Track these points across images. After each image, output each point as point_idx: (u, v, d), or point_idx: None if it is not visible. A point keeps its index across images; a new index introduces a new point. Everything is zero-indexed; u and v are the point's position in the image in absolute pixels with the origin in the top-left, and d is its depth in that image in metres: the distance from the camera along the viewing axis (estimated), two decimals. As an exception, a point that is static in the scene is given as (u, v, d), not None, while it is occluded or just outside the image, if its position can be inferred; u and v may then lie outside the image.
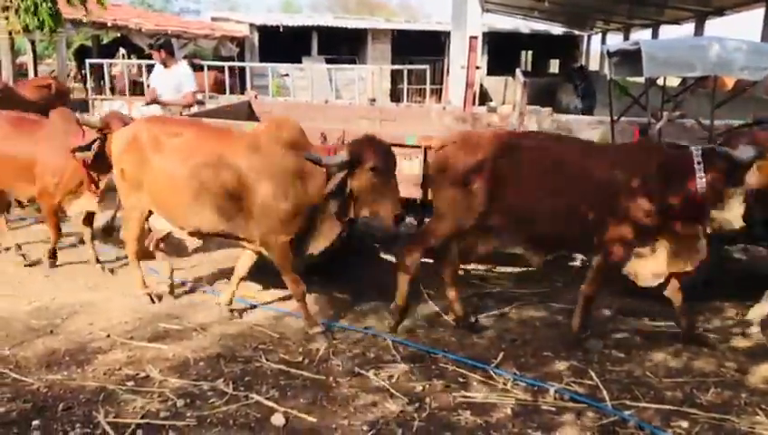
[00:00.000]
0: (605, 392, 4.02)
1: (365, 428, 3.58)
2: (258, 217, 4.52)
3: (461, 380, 4.16)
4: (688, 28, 17.12)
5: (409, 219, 5.40)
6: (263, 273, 5.28)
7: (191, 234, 4.92)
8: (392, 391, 3.96)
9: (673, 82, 8.99)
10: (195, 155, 4.62)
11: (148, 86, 7.90)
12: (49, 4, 9.20)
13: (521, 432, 3.60)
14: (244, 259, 5.02)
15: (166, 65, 7.48)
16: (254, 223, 4.56)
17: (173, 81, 7.39)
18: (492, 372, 4.24)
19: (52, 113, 5.83)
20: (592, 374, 4.26)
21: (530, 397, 3.97)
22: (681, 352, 4.65)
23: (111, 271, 5.93)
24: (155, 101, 7.36)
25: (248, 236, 4.68)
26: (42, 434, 3.44)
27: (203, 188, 4.58)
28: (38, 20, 9.11)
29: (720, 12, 15.52)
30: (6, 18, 9.09)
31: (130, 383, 3.97)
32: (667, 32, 18.85)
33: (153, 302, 5.21)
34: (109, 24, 15.25)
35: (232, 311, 5.05)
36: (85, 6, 10.94)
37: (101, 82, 14.94)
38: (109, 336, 4.59)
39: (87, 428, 3.49)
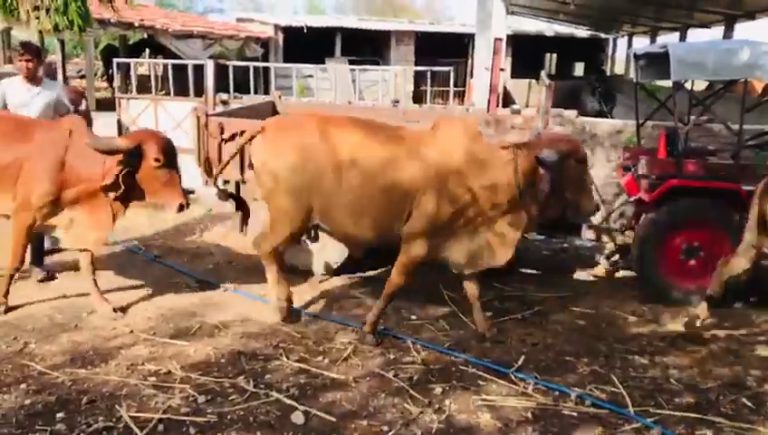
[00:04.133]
0: (627, 398, 3.97)
1: (384, 428, 3.57)
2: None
3: (481, 382, 4.14)
4: (717, 31, 16.86)
5: None
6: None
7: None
8: (412, 392, 3.95)
9: (700, 86, 8.86)
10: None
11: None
12: (78, 4, 9.33)
13: (541, 437, 3.57)
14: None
15: (32, 79, 5.51)
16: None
17: (42, 100, 5.52)
18: (512, 376, 4.21)
19: (63, 120, 5.04)
20: (615, 380, 4.21)
21: (550, 401, 3.94)
22: (706, 359, 4.58)
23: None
24: None
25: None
26: (65, 426, 3.48)
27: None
28: (68, 19, 9.24)
29: (751, 15, 15.25)
30: (37, 18, 9.23)
31: (152, 379, 4.01)
32: (696, 35, 18.59)
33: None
34: (135, 25, 15.42)
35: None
36: (113, 6, 11.08)
37: (128, 82, 15.13)
38: (132, 332, 4.65)
39: (109, 421, 3.53)
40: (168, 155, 4.65)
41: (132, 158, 4.54)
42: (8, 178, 4.72)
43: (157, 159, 4.57)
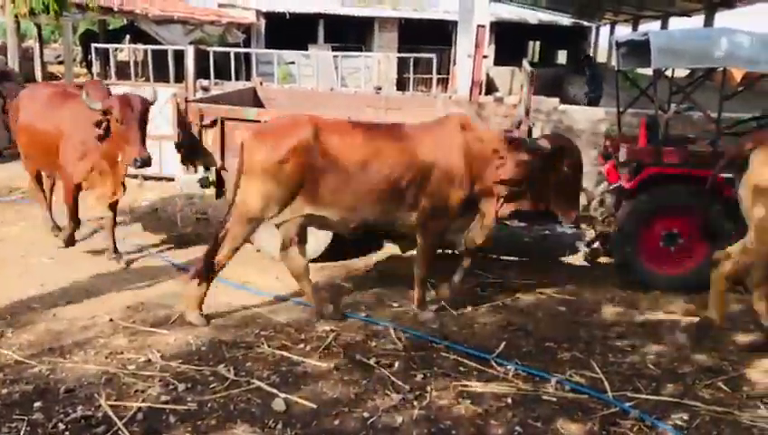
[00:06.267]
0: (606, 384, 4.01)
1: (365, 415, 3.58)
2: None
3: (462, 369, 4.16)
4: (698, 20, 16.97)
5: None
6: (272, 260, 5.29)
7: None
8: (393, 379, 3.96)
9: (681, 74, 8.92)
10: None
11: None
12: (54, -12, 9.18)
13: (521, 422, 3.59)
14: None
15: None
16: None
17: None
18: (493, 362, 4.24)
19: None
20: (594, 365, 4.25)
21: (531, 387, 3.97)
22: (684, 344, 4.63)
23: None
24: None
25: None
26: (43, 416, 3.45)
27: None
28: (43, 3, 9.08)
29: (730, 4, 15.37)
30: (13, 1, 9.06)
31: (132, 367, 3.98)
32: (677, 24, 18.71)
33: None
34: (115, 9, 15.17)
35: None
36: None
37: (107, 68, 14.90)
38: (111, 321, 4.61)
39: (88, 410, 3.51)
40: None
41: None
42: None
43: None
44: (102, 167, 5.44)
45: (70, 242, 5.94)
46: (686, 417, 3.72)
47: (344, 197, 4.59)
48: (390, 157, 4.61)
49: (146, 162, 5.12)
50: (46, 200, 6.48)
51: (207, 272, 4.64)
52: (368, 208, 4.65)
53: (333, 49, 19.11)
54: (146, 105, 5.28)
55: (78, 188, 5.63)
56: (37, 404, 3.55)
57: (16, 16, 9.26)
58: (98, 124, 5.18)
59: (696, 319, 4.87)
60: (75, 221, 5.82)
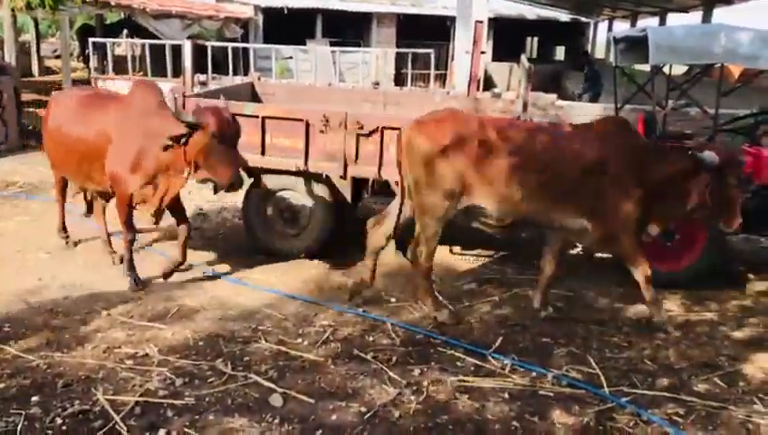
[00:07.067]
0: (603, 379, 4.03)
1: (362, 410, 3.59)
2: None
3: (459, 364, 4.17)
4: (696, 16, 16.98)
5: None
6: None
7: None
8: (390, 373, 3.97)
9: (678, 70, 8.92)
10: None
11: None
12: (51, -18, 9.15)
13: (517, 417, 3.61)
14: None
15: None
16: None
17: None
18: (490, 357, 4.25)
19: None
20: (591, 361, 4.27)
21: (528, 382, 3.98)
22: (680, 340, 4.65)
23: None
24: None
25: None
26: (41, 410, 3.46)
27: None
28: (40, -3, 9.06)
29: (729, 0, 15.38)
30: (9, -5, 9.05)
31: (129, 362, 3.98)
32: (675, 20, 18.70)
33: None
34: (112, 3, 15.12)
35: None
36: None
37: (105, 62, 14.87)
38: (109, 315, 4.61)
39: (86, 404, 3.51)
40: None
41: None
42: None
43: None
44: (160, 180, 4.91)
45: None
46: (681, 411, 3.74)
47: (506, 190, 4.56)
48: (558, 156, 4.57)
49: (240, 186, 4.72)
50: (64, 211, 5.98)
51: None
52: (529, 204, 4.60)
53: (331, 44, 19.09)
54: (238, 124, 4.75)
55: (131, 198, 5.02)
56: (35, 398, 3.56)
57: (13, 10, 9.23)
58: (177, 139, 4.56)
59: (693, 314, 4.89)
60: (132, 231, 5.18)
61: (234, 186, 4.60)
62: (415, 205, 4.74)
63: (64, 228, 6.00)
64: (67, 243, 5.96)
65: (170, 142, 4.56)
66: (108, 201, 5.69)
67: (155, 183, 4.92)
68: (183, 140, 4.56)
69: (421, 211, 4.69)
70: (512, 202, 4.59)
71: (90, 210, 6.14)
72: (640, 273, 4.74)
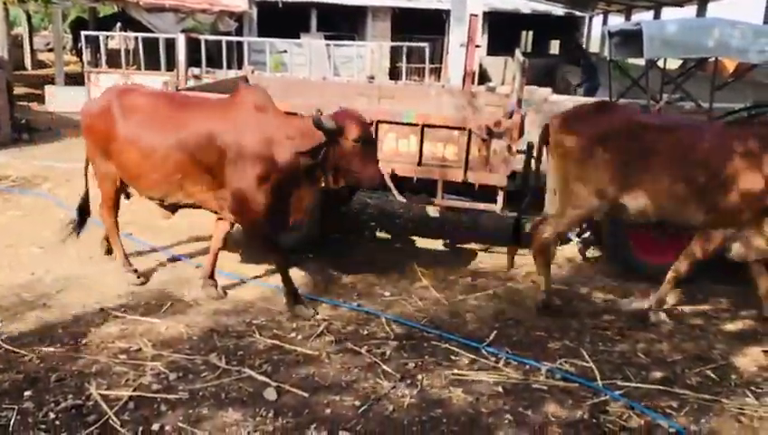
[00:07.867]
0: (596, 372, 4.04)
1: (356, 403, 3.59)
2: None
3: (453, 358, 4.17)
4: (690, 10, 16.98)
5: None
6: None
7: None
8: (384, 367, 3.97)
9: (673, 64, 8.93)
10: None
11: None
12: (43, -26, 9.08)
13: (511, 410, 3.62)
14: None
15: None
16: None
17: None
18: (484, 351, 4.26)
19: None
20: (584, 354, 4.28)
21: (521, 376, 3.99)
22: (673, 333, 4.67)
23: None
24: None
25: None
26: (33, 404, 3.45)
27: None
28: (32, -10, 8.99)
29: (723, -6, 15.38)
30: (1, -12, 8.97)
31: (123, 356, 3.97)
32: (670, 14, 18.72)
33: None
34: (105, -4, 15.08)
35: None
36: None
37: (98, 56, 14.79)
38: (102, 310, 4.59)
39: (79, 399, 3.50)
40: None
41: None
42: None
43: None
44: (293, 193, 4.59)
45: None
46: (674, 405, 3.75)
47: (651, 189, 4.51)
48: (707, 157, 4.44)
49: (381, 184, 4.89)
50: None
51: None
52: (671, 207, 4.55)
53: (326, 38, 19.02)
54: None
55: (266, 214, 4.54)
56: (27, 393, 3.54)
57: (5, 3, 9.16)
58: (319, 147, 4.34)
59: (689, 307, 4.91)
60: (279, 252, 4.79)
61: (383, 184, 4.88)
62: (560, 196, 4.78)
63: (128, 262, 5.21)
64: (139, 277, 5.12)
65: (309, 151, 4.36)
66: (174, 213, 5.14)
67: (286, 196, 4.57)
68: (324, 149, 4.37)
69: (566, 202, 4.72)
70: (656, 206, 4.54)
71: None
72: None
